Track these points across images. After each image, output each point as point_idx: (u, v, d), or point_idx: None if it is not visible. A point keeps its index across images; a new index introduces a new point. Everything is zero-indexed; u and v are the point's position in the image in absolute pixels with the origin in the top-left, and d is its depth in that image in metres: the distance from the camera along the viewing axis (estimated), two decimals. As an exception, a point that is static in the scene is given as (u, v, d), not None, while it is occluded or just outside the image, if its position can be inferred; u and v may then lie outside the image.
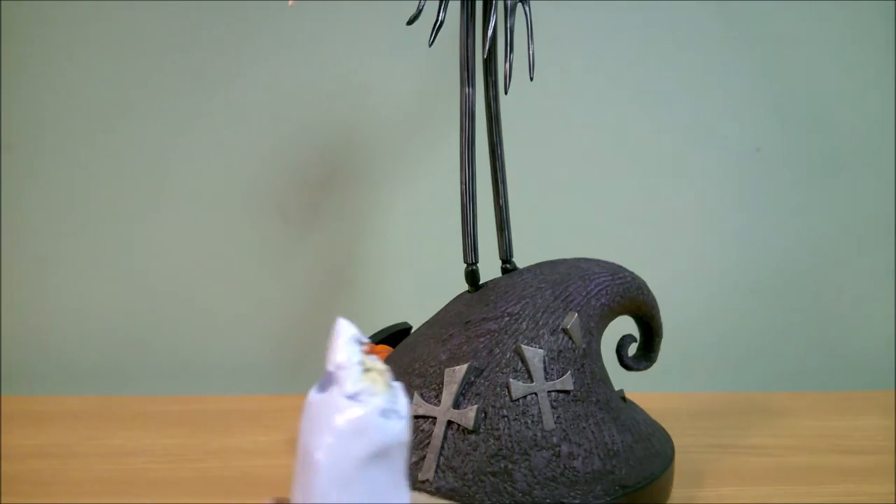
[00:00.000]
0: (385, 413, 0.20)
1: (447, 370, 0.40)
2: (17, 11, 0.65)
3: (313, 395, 0.20)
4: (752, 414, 0.60)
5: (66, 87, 0.66)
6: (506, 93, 0.44)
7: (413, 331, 0.49)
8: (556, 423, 0.39)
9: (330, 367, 0.20)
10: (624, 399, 0.45)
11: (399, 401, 0.20)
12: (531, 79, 0.43)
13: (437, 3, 0.43)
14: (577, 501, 0.38)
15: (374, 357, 0.21)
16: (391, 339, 0.57)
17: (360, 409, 0.19)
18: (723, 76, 0.69)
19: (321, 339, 0.75)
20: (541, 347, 0.41)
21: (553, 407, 0.40)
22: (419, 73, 0.67)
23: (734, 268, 0.72)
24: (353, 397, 0.20)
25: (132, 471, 0.49)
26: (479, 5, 0.44)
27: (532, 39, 0.43)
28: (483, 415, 0.39)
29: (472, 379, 0.40)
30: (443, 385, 0.40)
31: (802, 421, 0.59)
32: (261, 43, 0.66)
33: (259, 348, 0.71)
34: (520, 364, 0.40)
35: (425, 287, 0.62)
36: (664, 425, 0.47)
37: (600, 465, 0.39)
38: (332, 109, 0.68)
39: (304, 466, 0.19)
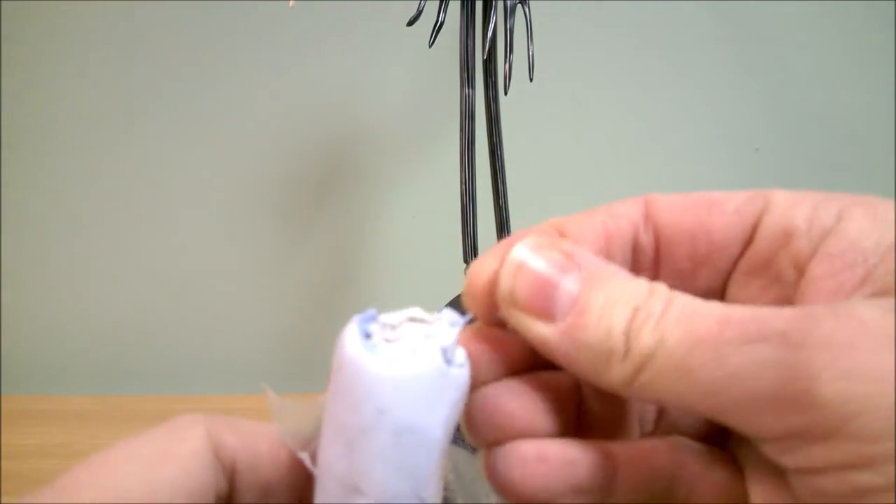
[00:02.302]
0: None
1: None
2: (18, 11, 0.65)
3: (402, 365, 0.16)
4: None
5: (67, 87, 0.66)
6: (505, 93, 0.44)
7: (413, 331, 0.49)
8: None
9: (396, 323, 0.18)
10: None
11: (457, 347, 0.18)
12: (531, 79, 0.44)
13: (438, 3, 0.43)
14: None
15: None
16: (391, 339, 0.57)
17: (465, 375, 0.18)
18: (722, 76, 0.69)
19: (322, 339, 0.74)
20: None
21: (553, 406, 0.40)
22: (419, 74, 0.67)
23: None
24: (450, 361, 0.17)
25: (133, 470, 0.49)
26: (479, 6, 0.44)
27: (532, 40, 0.44)
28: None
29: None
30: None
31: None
32: (261, 43, 0.66)
33: (260, 348, 0.71)
34: (519, 364, 0.40)
35: (425, 287, 0.62)
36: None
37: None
38: (332, 110, 0.68)
39: (401, 443, 0.16)
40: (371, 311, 0.18)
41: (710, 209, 0.19)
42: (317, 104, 0.67)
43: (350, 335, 0.17)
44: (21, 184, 0.68)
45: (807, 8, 0.68)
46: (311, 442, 0.18)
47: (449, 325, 0.18)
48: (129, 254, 0.69)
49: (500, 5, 0.44)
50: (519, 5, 0.44)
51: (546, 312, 0.16)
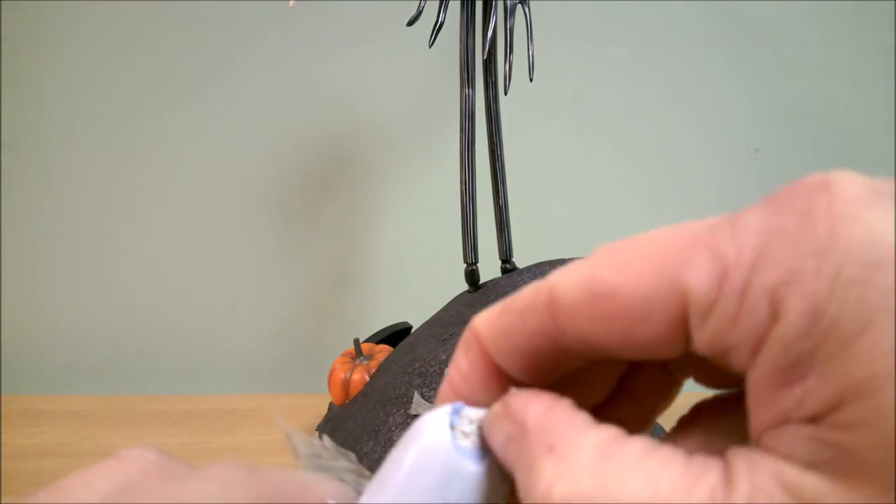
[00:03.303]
0: None
1: (447, 369, 0.40)
2: (18, 11, 0.65)
3: (481, 467, 0.18)
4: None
5: (67, 87, 0.66)
6: (505, 93, 0.44)
7: (413, 331, 0.49)
8: (555, 422, 0.39)
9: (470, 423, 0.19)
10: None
11: None
12: (531, 79, 0.44)
13: (438, 4, 0.43)
14: (576, 500, 0.38)
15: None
16: (391, 339, 0.57)
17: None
18: (721, 77, 0.69)
19: (322, 339, 0.74)
20: (540, 347, 0.41)
21: (553, 406, 0.40)
22: (419, 74, 0.67)
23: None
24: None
25: (133, 470, 0.49)
26: (479, 6, 0.44)
27: (532, 40, 0.44)
28: (483, 414, 0.39)
29: (472, 378, 0.40)
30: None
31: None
32: (262, 44, 0.66)
33: (260, 348, 0.71)
34: (519, 364, 0.40)
35: (425, 287, 0.62)
36: (663, 424, 0.47)
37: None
38: (333, 110, 0.68)
39: None
40: (459, 404, 0.19)
41: (629, 319, 0.15)
42: (317, 104, 0.68)
43: (441, 425, 0.19)
44: (21, 184, 0.68)
45: (806, 8, 0.68)
46: (348, 497, 0.20)
47: None
48: (128, 254, 0.69)
49: (500, 5, 0.44)
50: (519, 5, 0.44)
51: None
